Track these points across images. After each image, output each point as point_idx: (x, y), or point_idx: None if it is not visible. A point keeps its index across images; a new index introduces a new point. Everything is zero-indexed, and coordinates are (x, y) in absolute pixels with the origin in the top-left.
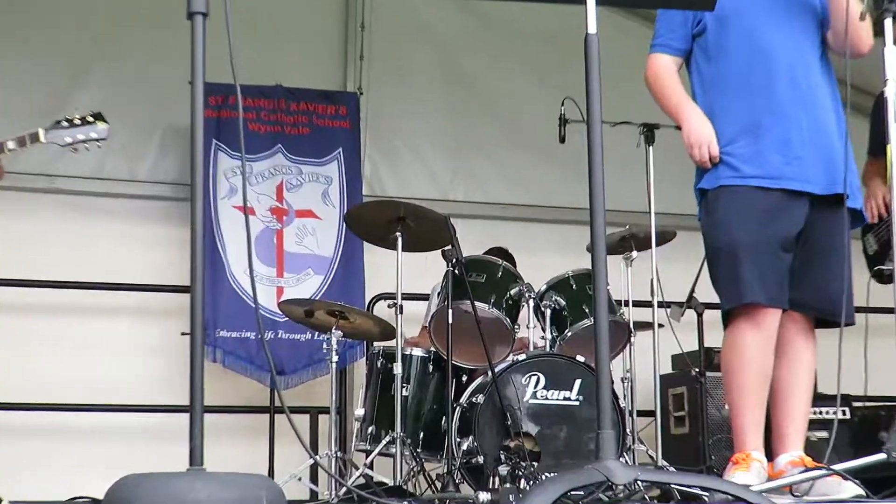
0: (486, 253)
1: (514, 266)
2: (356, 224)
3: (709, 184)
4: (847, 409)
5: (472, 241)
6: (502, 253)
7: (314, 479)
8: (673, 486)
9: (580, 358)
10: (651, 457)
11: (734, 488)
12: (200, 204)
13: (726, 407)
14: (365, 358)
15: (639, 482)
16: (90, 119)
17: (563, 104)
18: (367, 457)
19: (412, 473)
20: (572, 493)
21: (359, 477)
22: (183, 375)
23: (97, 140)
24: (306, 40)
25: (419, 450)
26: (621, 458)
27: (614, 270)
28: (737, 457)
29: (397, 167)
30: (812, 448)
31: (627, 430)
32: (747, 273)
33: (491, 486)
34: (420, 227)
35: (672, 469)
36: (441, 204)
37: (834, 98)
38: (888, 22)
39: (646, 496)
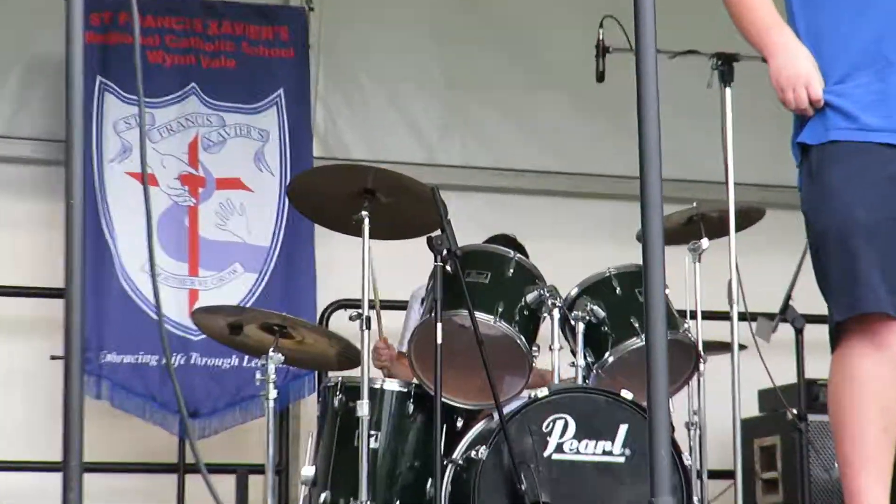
0: (491, 238)
1: (528, 259)
2: (304, 199)
3: (812, 137)
4: None
5: (472, 223)
6: (510, 244)
7: None
8: None
9: (626, 394)
10: None
11: None
12: (79, 170)
13: (836, 465)
14: (316, 394)
15: None
16: None
17: (601, 25)
18: None
19: None
20: None
21: None
22: (53, 418)
23: None
24: None
25: None
26: None
27: (677, 267)
28: None
29: (364, 117)
30: None
31: (695, 499)
32: (867, 270)
33: None
34: (396, 204)
35: None
36: (427, 170)
37: None
38: None
39: None
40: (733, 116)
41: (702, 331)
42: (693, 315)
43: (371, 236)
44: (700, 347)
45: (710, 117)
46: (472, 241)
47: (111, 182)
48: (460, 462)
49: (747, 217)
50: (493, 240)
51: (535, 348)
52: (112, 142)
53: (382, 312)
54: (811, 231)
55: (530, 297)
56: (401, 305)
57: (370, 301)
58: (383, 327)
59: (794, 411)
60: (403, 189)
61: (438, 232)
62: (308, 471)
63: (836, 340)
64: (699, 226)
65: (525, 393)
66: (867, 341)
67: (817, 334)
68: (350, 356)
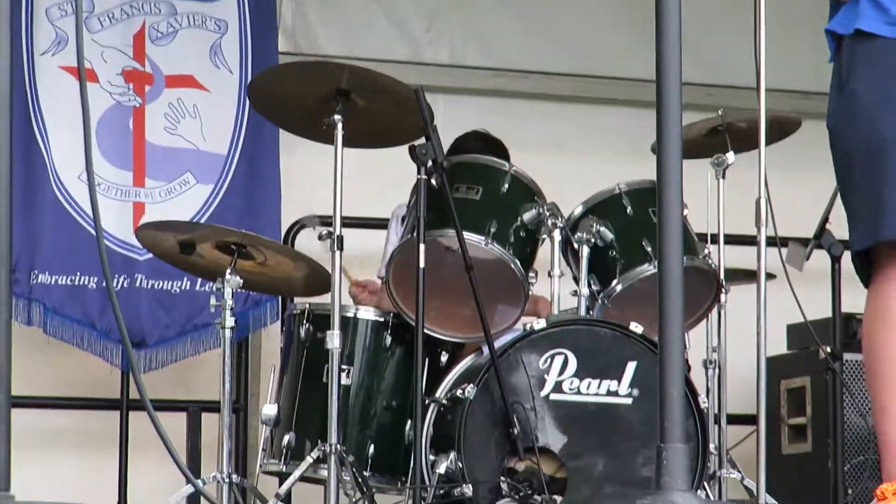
0: (460, 139)
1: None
2: (268, 101)
3: (841, 26)
4: None
5: (462, 132)
6: (490, 145)
7: None
8: None
9: (636, 327)
10: (749, 490)
11: None
12: (5, 63)
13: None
14: (280, 323)
15: None
16: None
17: None
18: (281, 483)
19: None
20: None
21: None
22: None
23: None
24: None
25: (368, 473)
26: (699, 491)
27: (697, 184)
28: (885, 489)
29: (338, 7)
30: None
31: (711, 447)
32: (894, 193)
33: None
34: (374, 108)
35: None
36: (411, 69)
37: None
38: None
39: None
40: (766, 12)
41: (724, 257)
42: (715, 239)
43: (345, 144)
44: (722, 276)
45: (739, 12)
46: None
47: (43, 78)
48: (444, 402)
49: (780, 128)
50: (463, 139)
51: (531, 274)
52: (44, 31)
53: (359, 232)
54: (836, 149)
55: (527, 215)
56: (379, 225)
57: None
58: (350, 270)
59: (828, 349)
60: (382, 90)
61: (422, 140)
62: (269, 409)
63: (864, 272)
64: (724, 137)
65: (520, 325)
66: None
67: None
68: (319, 280)
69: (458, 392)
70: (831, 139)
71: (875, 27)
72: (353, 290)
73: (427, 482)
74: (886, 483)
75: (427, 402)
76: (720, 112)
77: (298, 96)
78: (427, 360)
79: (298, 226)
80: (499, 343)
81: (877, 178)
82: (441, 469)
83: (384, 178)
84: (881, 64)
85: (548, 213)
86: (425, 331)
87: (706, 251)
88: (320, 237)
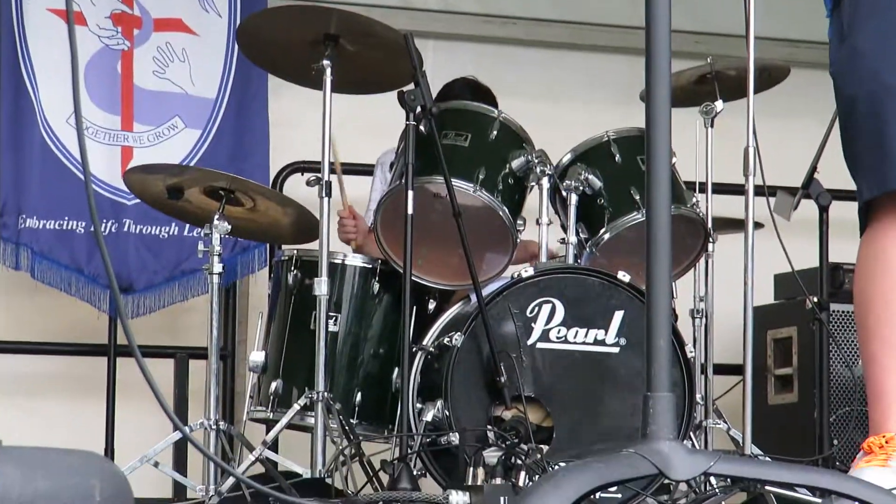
0: (448, 86)
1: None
2: (256, 45)
3: None
4: None
5: (451, 78)
6: (478, 93)
7: (181, 463)
8: (766, 487)
9: (623, 276)
10: (735, 440)
11: (866, 492)
12: None
13: (860, 362)
14: (268, 269)
15: (711, 479)
16: None
17: None
18: (268, 431)
19: (343, 459)
20: (604, 493)
21: (255, 463)
22: None
23: None
24: None
25: (355, 420)
26: (685, 441)
27: (686, 132)
28: (872, 443)
29: None
30: None
31: (698, 396)
32: None
33: (470, 483)
34: (363, 53)
35: (767, 459)
36: (400, 14)
37: None
38: None
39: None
40: None
41: (712, 206)
42: (703, 188)
43: (333, 89)
44: (709, 224)
45: None
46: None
47: (31, 20)
48: (431, 349)
49: (769, 76)
50: (451, 86)
51: (520, 222)
52: None
53: (346, 179)
54: (840, 98)
55: (516, 163)
56: (367, 171)
57: (331, 165)
58: (347, 196)
59: (815, 299)
60: (372, 35)
61: (411, 86)
62: (257, 356)
63: (864, 221)
64: (713, 85)
65: (508, 272)
66: None
67: (844, 213)
68: (307, 226)
69: (446, 340)
70: (835, 88)
71: None
72: (343, 215)
73: (414, 430)
74: (873, 436)
75: (414, 349)
76: (709, 60)
77: (287, 41)
78: (414, 307)
79: (287, 171)
80: (486, 291)
81: (881, 129)
82: (428, 417)
83: (373, 124)
84: (886, 12)
85: (536, 161)
86: (413, 278)
87: (694, 200)
88: (308, 182)
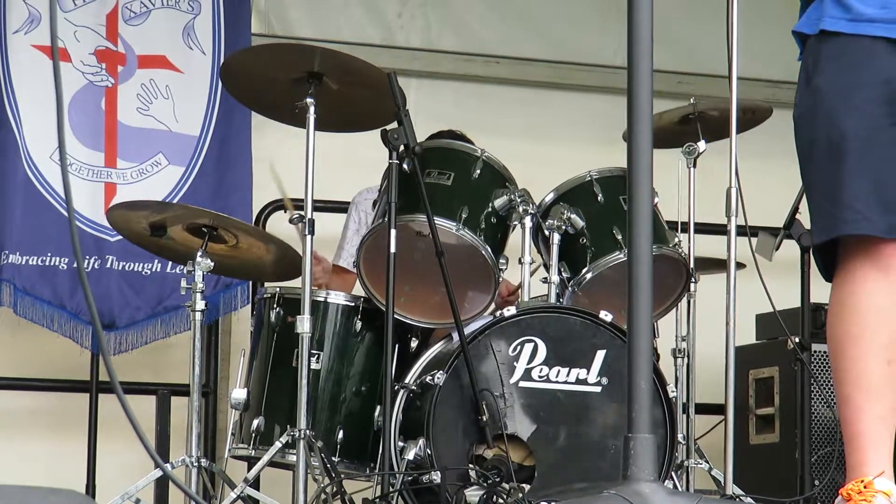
0: (432, 137)
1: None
2: (240, 83)
3: (807, 26)
4: None
5: (434, 116)
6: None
7: (162, 501)
8: None
9: (605, 315)
10: (717, 480)
11: None
12: None
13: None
14: (250, 306)
15: None
16: None
17: None
18: (250, 468)
19: (324, 497)
20: None
21: (236, 500)
22: None
23: None
24: None
25: (337, 458)
26: (667, 481)
27: (668, 173)
28: (851, 489)
29: None
30: None
31: (679, 437)
32: (852, 188)
33: None
34: (346, 92)
35: (749, 500)
36: (384, 53)
37: None
38: None
39: None
40: (739, 1)
41: (695, 246)
42: (685, 228)
43: (317, 127)
44: (691, 264)
45: (712, 0)
46: (435, 137)
47: (16, 56)
48: (413, 388)
49: (752, 116)
50: (438, 137)
51: (502, 261)
52: (17, 9)
53: (330, 216)
54: (799, 141)
55: (499, 202)
56: (346, 209)
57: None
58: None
59: (796, 339)
60: (355, 74)
61: (395, 124)
62: (239, 394)
63: (826, 264)
64: (696, 125)
65: (490, 311)
66: (869, 264)
67: None
68: (290, 264)
69: (428, 378)
70: (796, 131)
71: (837, 25)
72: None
73: (396, 468)
74: (851, 482)
75: (396, 388)
76: (692, 100)
77: (271, 79)
78: (397, 345)
79: (270, 208)
80: (469, 329)
81: (836, 173)
82: (410, 455)
83: (356, 162)
84: (842, 59)
85: (519, 200)
86: (395, 316)
87: (676, 240)
88: (291, 220)
